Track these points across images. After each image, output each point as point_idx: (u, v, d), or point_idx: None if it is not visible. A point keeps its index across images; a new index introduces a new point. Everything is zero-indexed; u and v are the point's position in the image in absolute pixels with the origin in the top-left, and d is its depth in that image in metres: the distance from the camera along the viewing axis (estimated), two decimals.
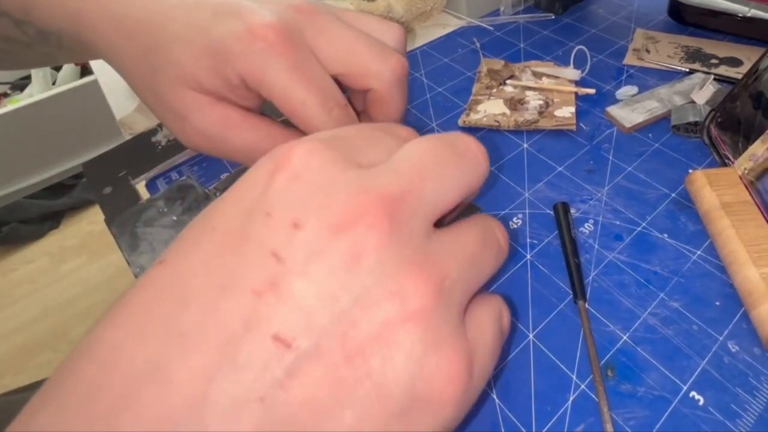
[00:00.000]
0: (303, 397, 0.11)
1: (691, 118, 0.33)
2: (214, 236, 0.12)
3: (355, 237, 0.12)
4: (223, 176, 0.34)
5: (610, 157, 0.33)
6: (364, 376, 0.11)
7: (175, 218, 0.30)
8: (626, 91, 0.38)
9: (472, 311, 0.15)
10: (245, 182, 0.13)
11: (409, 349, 0.11)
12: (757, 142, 0.28)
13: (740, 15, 0.41)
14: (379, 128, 0.17)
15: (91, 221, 1.33)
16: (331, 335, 0.11)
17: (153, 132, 0.37)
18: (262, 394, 0.10)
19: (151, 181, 0.34)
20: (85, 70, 1.21)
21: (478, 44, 0.46)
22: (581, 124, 0.36)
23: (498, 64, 0.42)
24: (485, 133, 0.36)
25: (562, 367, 0.23)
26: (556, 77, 0.40)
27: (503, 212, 0.30)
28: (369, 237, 0.12)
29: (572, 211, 0.30)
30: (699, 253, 0.27)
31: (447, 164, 0.14)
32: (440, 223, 0.15)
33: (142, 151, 0.36)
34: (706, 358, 0.23)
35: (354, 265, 0.11)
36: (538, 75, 0.40)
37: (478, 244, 0.15)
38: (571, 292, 0.26)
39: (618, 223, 0.29)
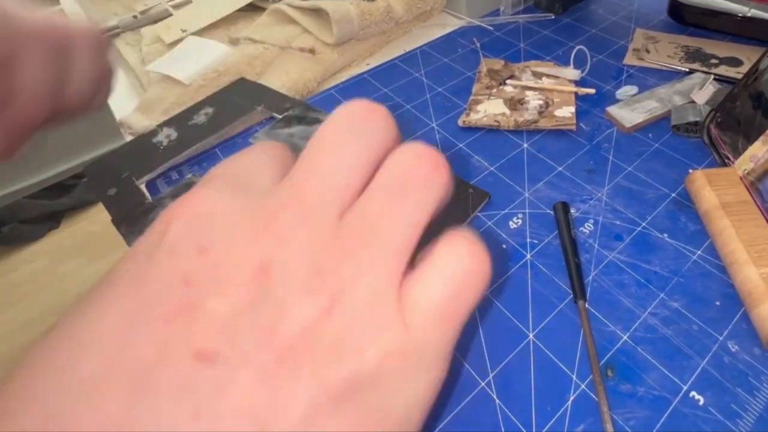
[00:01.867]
0: (239, 406, 0.10)
1: (691, 118, 0.33)
2: (113, 287, 0.12)
3: (260, 252, 0.12)
4: None
5: (610, 157, 0.33)
6: (297, 374, 0.11)
7: None
8: (626, 91, 0.38)
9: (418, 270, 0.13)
10: (145, 235, 0.12)
11: (337, 336, 0.11)
12: (757, 143, 0.28)
13: (740, 15, 0.41)
14: (262, 150, 0.15)
15: (91, 221, 1.33)
16: (255, 342, 0.11)
17: (154, 133, 0.37)
18: (193, 412, 0.10)
19: (151, 181, 0.34)
20: None
21: (478, 44, 0.46)
22: (581, 124, 0.36)
23: (498, 64, 0.42)
24: (485, 133, 0.36)
25: (562, 367, 0.23)
26: (556, 77, 0.40)
27: (503, 212, 0.30)
28: (273, 250, 0.12)
29: (572, 211, 0.30)
30: (699, 253, 0.27)
31: (342, 143, 0.13)
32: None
33: (143, 152, 0.36)
34: (706, 358, 0.23)
35: (263, 276, 0.11)
36: (538, 75, 0.40)
37: (388, 201, 0.13)
38: (571, 292, 0.26)
39: (618, 223, 0.29)
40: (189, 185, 0.32)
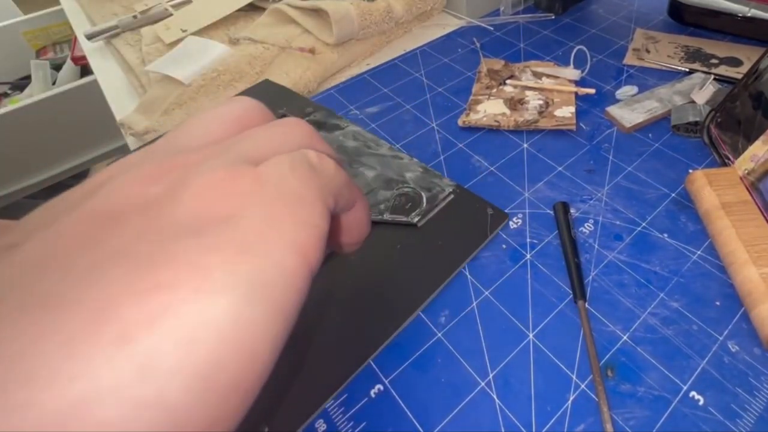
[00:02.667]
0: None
1: (691, 118, 0.33)
2: None
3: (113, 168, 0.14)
4: None
5: (610, 157, 0.33)
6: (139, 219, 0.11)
7: None
8: (626, 91, 0.38)
9: None
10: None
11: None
12: (758, 143, 0.28)
13: (740, 15, 0.41)
14: None
15: None
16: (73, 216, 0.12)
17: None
18: None
19: None
20: (85, 70, 1.20)
21: (478, 44, 0.46)
22: (581, 124, 0.36)
23: (498, 64, 0.42)
24: (485, 133, 0.36)
25: (562, 367, 0.23)
26: (556, 77, 0.40)
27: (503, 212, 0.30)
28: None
29: (572, 211, 0.30)
30: (699, 253, 0.27)
31: (203, 114, 0.16)
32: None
33: None
34: (706, 358, 0.23)
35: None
36: (538, 75, 0.40)
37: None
38: (571, 292, 0.26)
39: (618, 223, 0.29)
40: None
